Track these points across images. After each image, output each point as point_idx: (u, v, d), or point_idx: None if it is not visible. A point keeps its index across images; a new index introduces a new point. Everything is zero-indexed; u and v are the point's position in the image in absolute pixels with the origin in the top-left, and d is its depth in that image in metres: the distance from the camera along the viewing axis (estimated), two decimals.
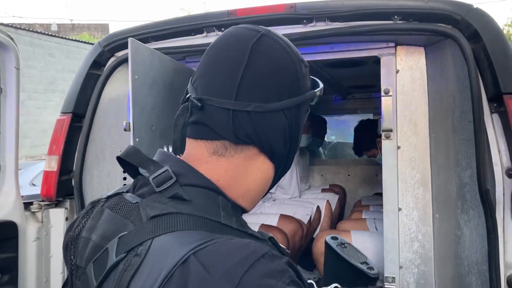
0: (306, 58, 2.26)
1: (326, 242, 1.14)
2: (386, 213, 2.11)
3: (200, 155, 0.79)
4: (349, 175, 4.66)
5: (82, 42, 17.50)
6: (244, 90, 0.77)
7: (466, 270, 1.87)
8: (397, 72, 2.09)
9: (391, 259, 2.09)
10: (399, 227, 2.10)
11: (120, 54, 2.23)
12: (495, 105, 1.74)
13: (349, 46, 2.12)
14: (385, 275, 2.10)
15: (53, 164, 2.18)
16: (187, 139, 0.82)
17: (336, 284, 1.03)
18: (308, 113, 0.88)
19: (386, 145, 2.10)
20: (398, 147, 2.09)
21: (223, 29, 2.05)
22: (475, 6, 1.82)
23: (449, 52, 1.93)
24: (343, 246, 1.11)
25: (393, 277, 2.09)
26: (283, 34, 2.06)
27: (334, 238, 1.13)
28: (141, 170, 0.82)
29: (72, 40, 17.15)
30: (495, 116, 1.75)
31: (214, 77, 0.79)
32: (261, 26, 0.83)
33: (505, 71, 1.70)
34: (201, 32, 2.10)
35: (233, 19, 2.04)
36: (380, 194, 2.65)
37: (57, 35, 16.62)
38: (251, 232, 0.76)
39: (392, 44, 2.08)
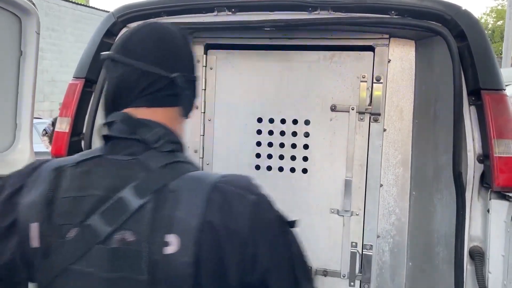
0: (308, 41, 2.45)
1: None
2: (369, 188, 2.35)
3: (171, 119, 1.07)
4: None
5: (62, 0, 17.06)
6: (183, 65, 1.09)
7: (436, 241, 2.13)
8: (389, 61, 2.30)
9: (370, 229, 2.35)
10: (379, 201, 2.34)
11: (132, 25, 2.35)
12: (473, 98, 1.95)
13: (347, 34, 2.31)
14: (364, 243, 2.35)
15: (65, 126, 2.31)
16: (154, 109, 1.06)
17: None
18: None
19: (374, 128, 2.32)
20: (384, 130, 2.32)
21: (233, 9, 2.20)
22: (463, 8, 2.02)
23: (437, 47, 2.13)
24: None
25: (371, 245, 2.35)
26: (289, 20, 2.23)
27: None
28: (115, 133, 1.02)
29: None
30: (473, 108, 1.96)
31: (169, 59, 1.07)
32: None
33: (484, 70, 1.91)
34: (212, 11, 2.24)
35: (243, 0, 2.20)
36: None
37: None
38: None
39: (387, 36, 2.27)
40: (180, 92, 1.06)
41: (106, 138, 1.04)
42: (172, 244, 0.86)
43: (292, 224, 0.99)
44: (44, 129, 7.94)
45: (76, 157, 1.03)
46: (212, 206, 0.89)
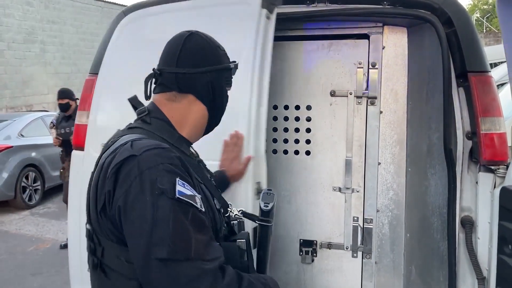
0: (307, 32, 2.60)
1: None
2: (368, 167, 2.53)
3: (162, 101, 1.36)
4: None
5: None
6: (180, 61, 1.32)
7: (430, 212, 2.32)
8: (383, 48, 2.46)
9: (370, 204, 2.54)
10: (378, 178, 2.53)
11: None
12: (461, 80, 2.11)
13: (343, 24, 2.47)
14: (364, 217, 2.55)
15: (84, 119, 2.50)
16: (153, 95, 1.38)
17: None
18: (231, 80, 1.44)
19: (371, 110, 2.50)
20: (381, 112, 2.49)
21: None
22: None
23: (427, 34, 2.29)
24: (267, 193, 1.48)
25: (371, 219, 2.54)
26: (289, 12, 2.39)
27: (269, 189, 1.53)
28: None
29: None
30: (461, 90, 2.12)
31: (165, 57, 1.36)
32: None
33: (471, 53, 2.07)
34: None
35: None
36: None
37: None
38: (182, 149, 1.31)
39: (380, 24, 2.43)
40: (163, 81, 1.35)
41: None
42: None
43: (165, 192, 1.09)
44: (52, 122, 8.08)
45: None
46: (114, 155, 1.18)
